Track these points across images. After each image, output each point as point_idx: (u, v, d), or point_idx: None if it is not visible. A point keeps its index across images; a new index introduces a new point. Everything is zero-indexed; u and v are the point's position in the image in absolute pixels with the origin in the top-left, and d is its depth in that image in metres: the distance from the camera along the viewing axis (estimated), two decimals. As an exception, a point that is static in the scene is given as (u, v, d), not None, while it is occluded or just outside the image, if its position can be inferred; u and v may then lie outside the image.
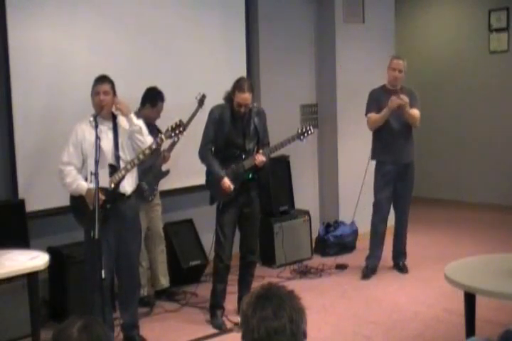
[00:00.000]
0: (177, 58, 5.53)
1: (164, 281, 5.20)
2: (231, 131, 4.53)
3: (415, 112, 5.41)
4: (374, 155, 5.62)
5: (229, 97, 4.50)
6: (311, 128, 4.69)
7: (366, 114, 5.54)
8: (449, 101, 8.57)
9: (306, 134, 4.66)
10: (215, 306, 4.67)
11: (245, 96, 4.41)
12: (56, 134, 4.65)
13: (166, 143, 4.73)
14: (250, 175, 4.60)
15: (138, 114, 4.84)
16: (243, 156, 4.56)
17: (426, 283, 5.34)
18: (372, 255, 5.68)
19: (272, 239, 5.95)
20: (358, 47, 6.77)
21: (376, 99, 5.51)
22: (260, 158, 4.52)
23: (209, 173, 4.64)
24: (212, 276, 4.77)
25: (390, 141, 5.47)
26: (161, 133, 4.24)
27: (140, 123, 4.08)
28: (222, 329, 4.54)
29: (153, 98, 4.90)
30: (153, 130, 4.70)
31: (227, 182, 4.48)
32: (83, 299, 4.23)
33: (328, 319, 4.67)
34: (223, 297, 4.69)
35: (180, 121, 4.10)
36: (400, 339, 4.30)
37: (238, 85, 4.43)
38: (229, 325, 4.58)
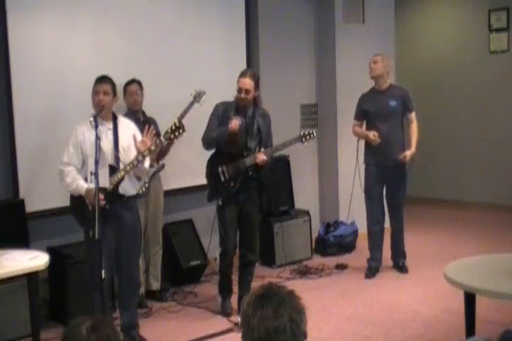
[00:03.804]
0: (177, 58, 5.53)
1: (155, 284, 5.16)
2: None
3: (416, 135, 5.50)
4: (364, 157, 5.68)
5: None
6: (314, 132, 4.64)
7: (354, 118, 5.69)
8: (448, 101, 8.57)
9: (308, 137, 4.61)
10: (224, 290, 4.81)
11: (245, 81, 4.45)
12: (56, 135, 4.65)
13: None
14: (250, 173, 4.59)
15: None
16: (244, 154, 4.56)
17: (426, 283, 5.34)
18: (373, 257, 5.67)
19: (272, 239, 5.95)
20: (358, 47, 6.76)
21: (362, 105, 5.59)
22: (261, 156, 4.50)
23: (210, 162, 4.65)
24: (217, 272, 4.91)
25: (377, 144, 5.45)
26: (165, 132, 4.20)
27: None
28: (227, 313, 4.73)
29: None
30: (137, 121, 4.59)
31: (234, 121, 4.46)
32: (83, 299, 4.24)
33: (328, 319, 4.67)
34: (230, 284, 4.80)
35: (180, 122, 4.09)
36: (400, 339, 4.29)
37: (241, 73, 4.54)
38: (229, 324, 4.59)
